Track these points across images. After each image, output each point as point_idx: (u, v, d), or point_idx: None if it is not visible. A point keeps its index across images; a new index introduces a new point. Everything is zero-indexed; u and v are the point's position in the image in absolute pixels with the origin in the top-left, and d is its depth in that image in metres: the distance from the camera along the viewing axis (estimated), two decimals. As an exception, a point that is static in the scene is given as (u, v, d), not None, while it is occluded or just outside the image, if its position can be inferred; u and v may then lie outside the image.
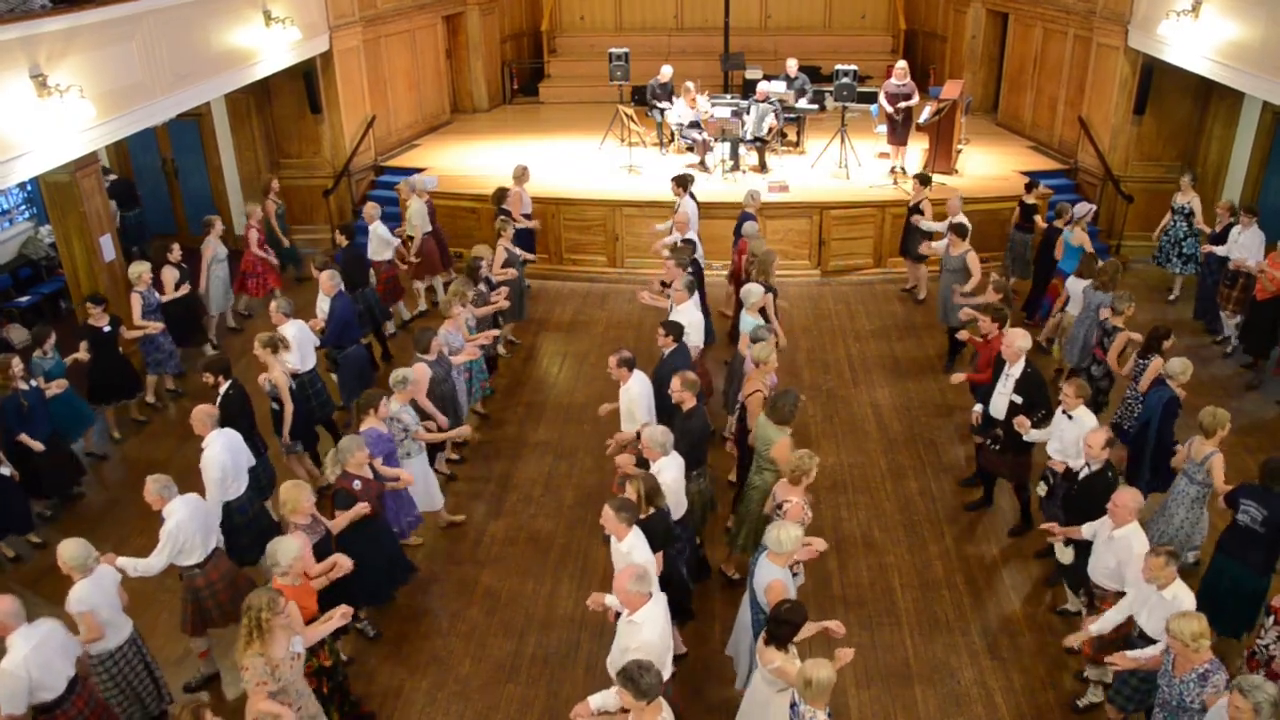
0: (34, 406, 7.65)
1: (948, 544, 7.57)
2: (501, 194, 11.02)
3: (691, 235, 10.03)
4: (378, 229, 10.47)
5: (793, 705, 4.55)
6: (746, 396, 7.24)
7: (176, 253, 9.89)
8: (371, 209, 10.60)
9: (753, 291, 8.22)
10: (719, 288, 11.30)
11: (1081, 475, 6.25)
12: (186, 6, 9.96)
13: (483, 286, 9.19)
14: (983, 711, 6.03)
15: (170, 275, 9.74)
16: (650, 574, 5.02)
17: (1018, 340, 7.18)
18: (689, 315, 7.97)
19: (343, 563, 5.72)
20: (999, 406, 7.28)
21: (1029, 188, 11.47)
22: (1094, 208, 10.89)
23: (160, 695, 5.75)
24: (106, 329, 8.77)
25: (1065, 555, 6.32)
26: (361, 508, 6.03)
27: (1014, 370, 7.19)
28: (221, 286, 10.74)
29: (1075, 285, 9.21)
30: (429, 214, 11.27)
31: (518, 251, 10.28)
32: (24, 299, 11.65)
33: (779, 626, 4.77)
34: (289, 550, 5.25)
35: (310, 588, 5.46)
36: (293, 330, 8.07)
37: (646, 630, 4.73)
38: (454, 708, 6.14)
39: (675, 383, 6.59)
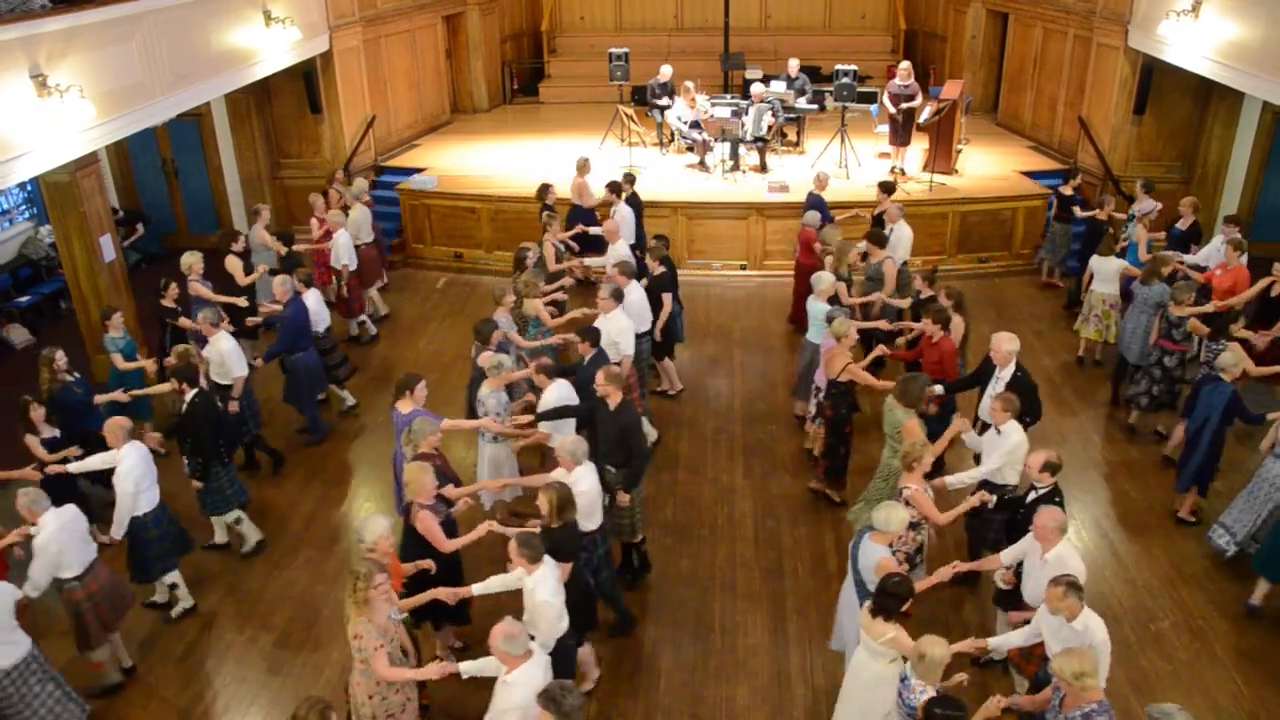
0: (82, 397, 7.65)
1: (948, 544, 7.57)
2: (545, 190, 10.90)
3: (622, 244, 9.83)
4: (341, 237, 10.36)
5: (903, 679, 4.62)
6: (840, 372, 7.33)
7: (242, 243, 9.92)
8: (335, 215, 10.56)
9: (823, 278, 8.35)
10: (725, 288, 11.28)
11: (1029, 499, 6.04)
12: (186, 6, 9.95)
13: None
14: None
15: (235, 264, 9.74)
16: (544, 625, 5.02)
17: (1005, 344, 7.17)
18: (616, 323, 7.92)
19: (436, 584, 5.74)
20: (986, 409, 7.22)
21: (1067, 178, 11.49)
22: (1159, 205, 10.61)
23: (80, 706, 5.76)
24: (179, 309, 8.90)
25: (1006, 583, 5.94)
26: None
27: (1004, 374, 7.17)
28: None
29: (1100, 264, 9.53)
30: (370, 222, 11.18)
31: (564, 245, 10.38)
32: (24, 299, 11.67)
33: (887, 599, 4.84)
34: (375, 528, 5.32)
35: (398, 567, 5.51)
36: (226, 343, 7.97)
37: (519, 693, 4.54)
38: (454, 708, 6.14)
39: (599, 377, 6.60)
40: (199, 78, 10.31)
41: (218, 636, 6.78)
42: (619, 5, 19.40)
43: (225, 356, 7.93)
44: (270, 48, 11.55)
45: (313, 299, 8.97)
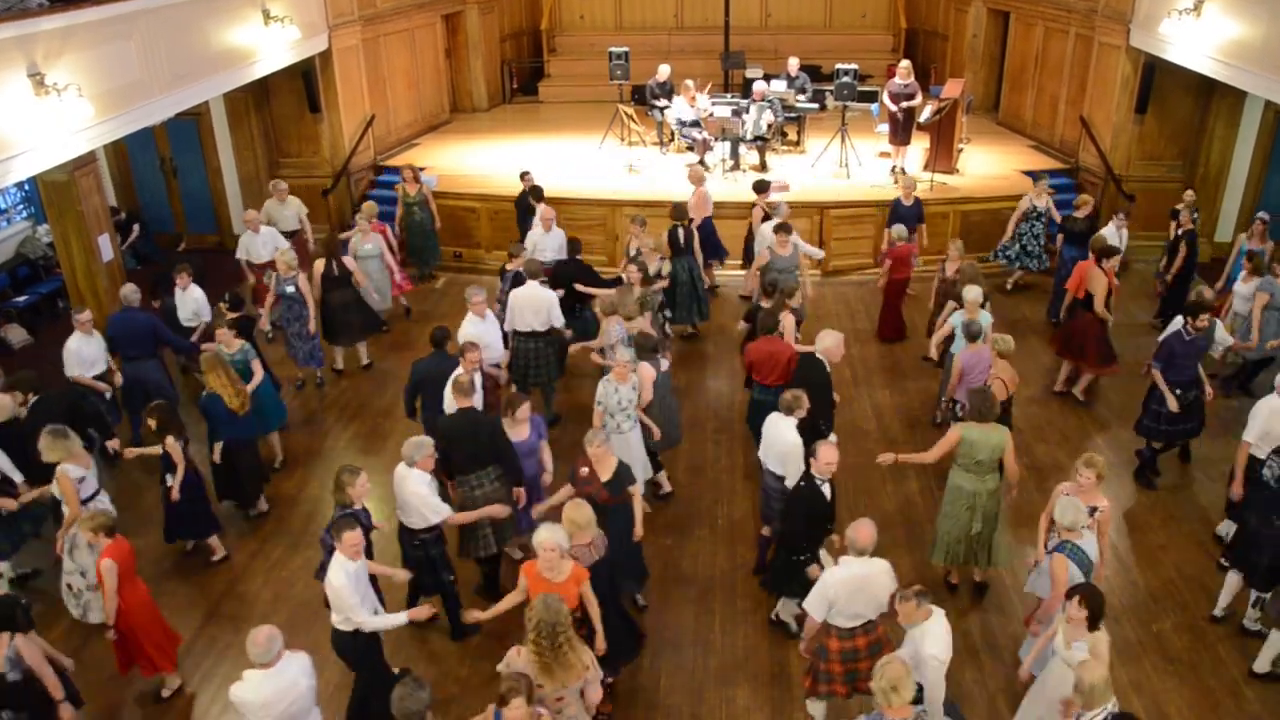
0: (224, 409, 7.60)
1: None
2: (681, 209, 10.52)
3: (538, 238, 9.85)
4: (245, 237, 10.33)
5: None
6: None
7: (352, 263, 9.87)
8: (251, 215, 10.47)
9: (973, 290, 8.39)
10: (725, 287, 11.19)
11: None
12: (185, 5, 9.93)
13: None
14: (984, 711, 6.00)
15: (349, 265, 9.75)
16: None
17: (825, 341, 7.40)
18: (477, 328, 7.91)
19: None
20: None
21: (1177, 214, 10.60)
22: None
23: None
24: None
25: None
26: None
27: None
28: (377, 277, 10.58)
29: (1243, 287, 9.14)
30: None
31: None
32: (22, 299, 11.65)
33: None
34: (554, 535, 5.29)
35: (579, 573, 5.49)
36: (73, 343, 7.94)
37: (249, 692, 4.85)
38: (453, 709, 6.12)
39: (447, 390, 6.85)
40: (197, 77, 10.28)
41: (217, 637, 6.77)
42: (619, 4, 19.37)
43: (65, 354, 7.98)
44: (269, 47, 11.52)
45: (193, 293, 8.97)
